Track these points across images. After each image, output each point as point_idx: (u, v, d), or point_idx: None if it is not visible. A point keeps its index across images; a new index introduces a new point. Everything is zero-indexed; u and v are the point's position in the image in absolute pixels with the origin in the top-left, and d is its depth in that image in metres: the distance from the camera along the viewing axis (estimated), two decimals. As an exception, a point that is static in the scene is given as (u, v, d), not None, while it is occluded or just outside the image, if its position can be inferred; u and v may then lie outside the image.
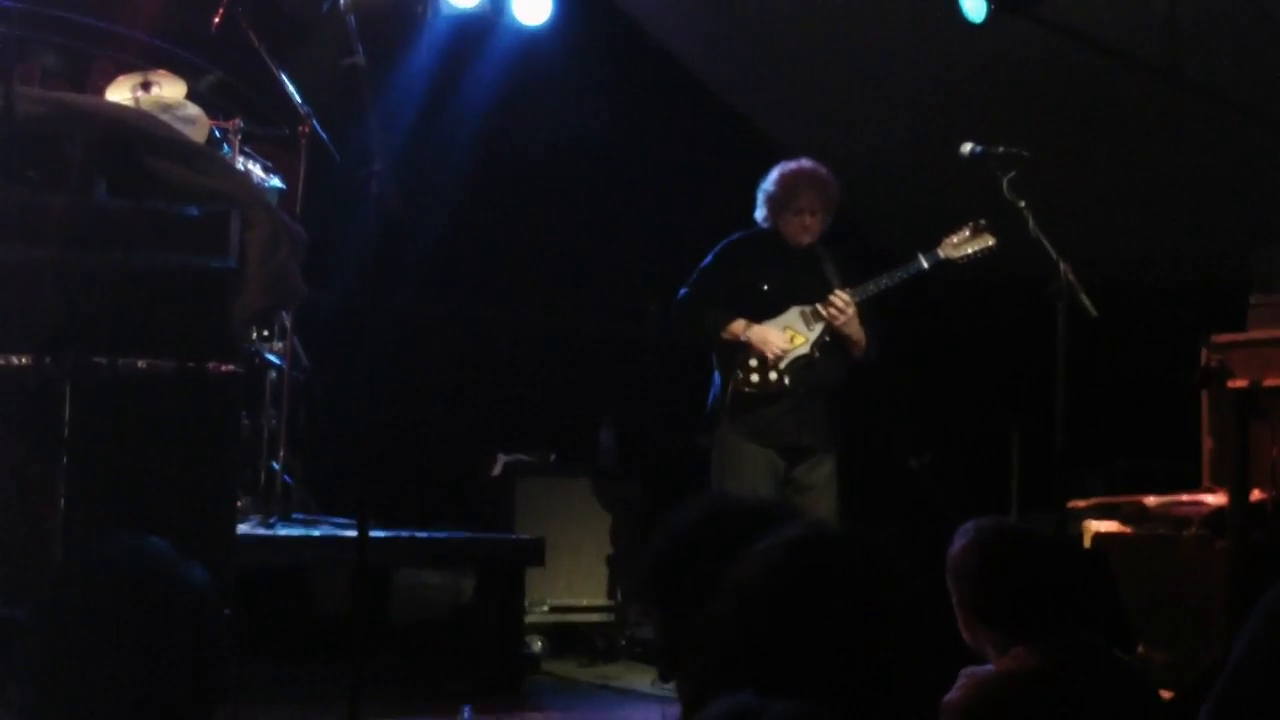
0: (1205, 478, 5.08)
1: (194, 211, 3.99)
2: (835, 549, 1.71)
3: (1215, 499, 4.70)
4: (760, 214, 5.60)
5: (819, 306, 5.41)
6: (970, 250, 5.45)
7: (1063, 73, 6.74)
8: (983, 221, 5.43)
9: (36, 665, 1.91)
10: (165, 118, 5.19)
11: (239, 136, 5.79)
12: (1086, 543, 4.76)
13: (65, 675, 1.89)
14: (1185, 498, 4.82)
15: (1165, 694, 3.27)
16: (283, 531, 5.31)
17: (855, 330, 5.44)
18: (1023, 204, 4.75)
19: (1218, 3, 6.17)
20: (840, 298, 5.39)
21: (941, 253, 5.45)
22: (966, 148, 4.94)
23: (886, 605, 1.67)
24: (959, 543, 2.95)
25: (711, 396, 5.54)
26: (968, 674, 2.81)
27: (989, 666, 2.84)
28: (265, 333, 5.80)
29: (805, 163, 5.57)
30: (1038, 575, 2.85)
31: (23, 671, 1.92)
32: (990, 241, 5.43)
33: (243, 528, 5.04)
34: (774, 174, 5.58)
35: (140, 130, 4.16)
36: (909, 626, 1.69)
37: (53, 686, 1.89)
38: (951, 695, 2.71)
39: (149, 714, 1.88)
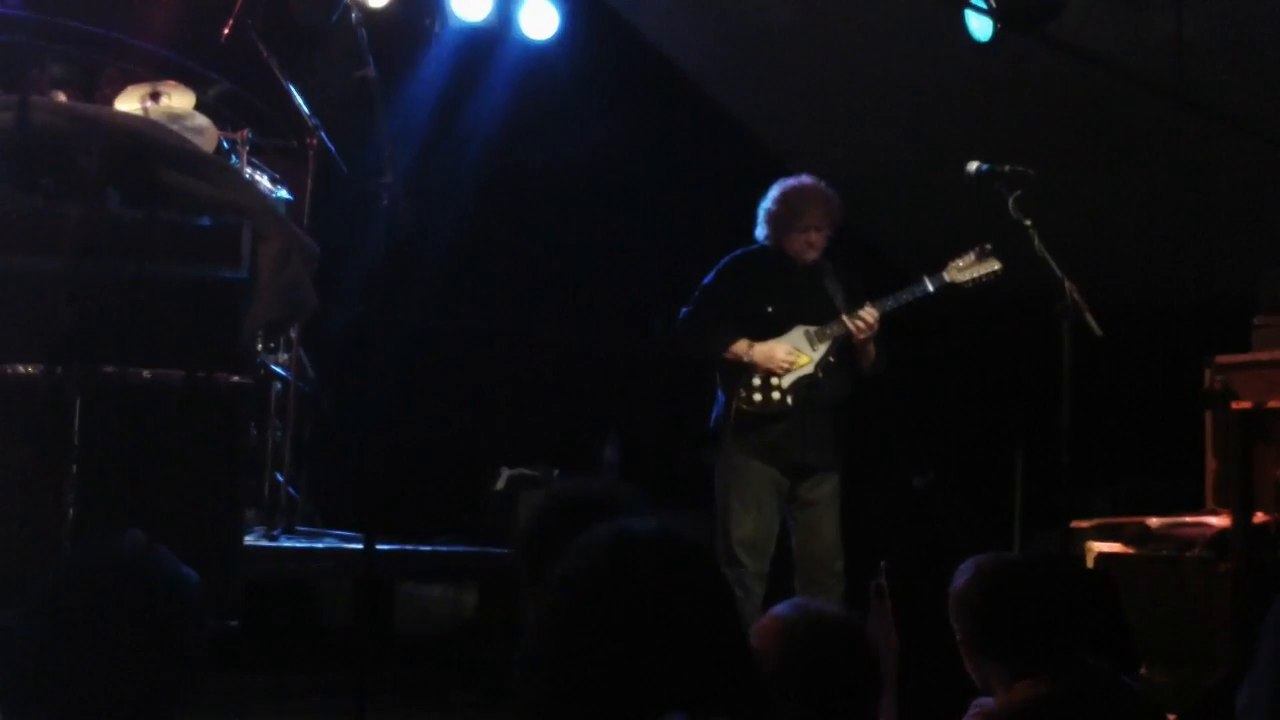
0: (1209, 499, 5.08)
1: (207, 222, 4.02)
2: (644, 547, 1.76)
3: (1219, 521, 4.70)
4: (762, 232, 5.53)
5: (846, 319, 5.34)
6: (975, 274, 5.38)
7: (1069, 92, 6.75)
8: (989, 246, 5.36)
9: (23, 660, 1.94)
10: (174, 128, 5.22)
11: (247, 147, 5.79)
12: (1090, 563, 4.75)
13: (49, 670, 1.92)
14: (1189, 519, 4.82)
15: (1170, 717, 3.27)
16: (287, 543, 5.30)
17: (871, 346, 5.43)
18: (1028, 223, 4.75)
19: (1224, 24, 6.18)
20: (870, 314, 5.34)
21: (947, 276, 5.38)
22: (973, 166, 4.93)
23: (702, 600, 1.72)
24: (959, 580, 2.95)
25: (715, 414, 5.49)
26: (979, 705, 2.81)
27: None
28: (271, 344, 5.80)
29: (807, 179, 5.50)
30: (1039, 606, 2.85)
31: (11, 669, 1.95)
32: (996, 266, 5.36)
33: (247, 539, 5.04)
34: (776, 192, 5.50)
35: (155, 141, 4.19)
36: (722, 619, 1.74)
37: (34, 678, 1.93)
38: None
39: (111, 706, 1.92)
